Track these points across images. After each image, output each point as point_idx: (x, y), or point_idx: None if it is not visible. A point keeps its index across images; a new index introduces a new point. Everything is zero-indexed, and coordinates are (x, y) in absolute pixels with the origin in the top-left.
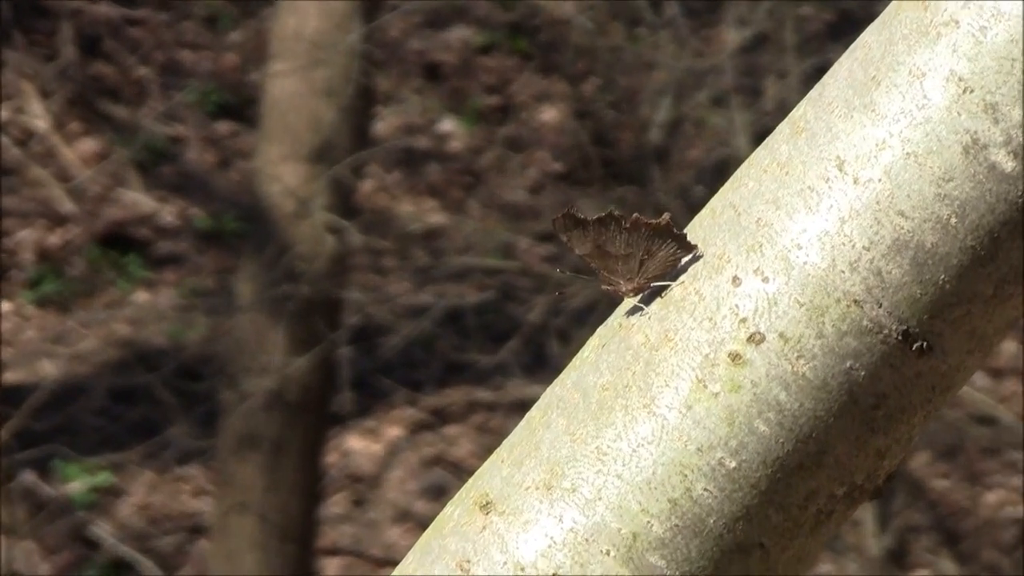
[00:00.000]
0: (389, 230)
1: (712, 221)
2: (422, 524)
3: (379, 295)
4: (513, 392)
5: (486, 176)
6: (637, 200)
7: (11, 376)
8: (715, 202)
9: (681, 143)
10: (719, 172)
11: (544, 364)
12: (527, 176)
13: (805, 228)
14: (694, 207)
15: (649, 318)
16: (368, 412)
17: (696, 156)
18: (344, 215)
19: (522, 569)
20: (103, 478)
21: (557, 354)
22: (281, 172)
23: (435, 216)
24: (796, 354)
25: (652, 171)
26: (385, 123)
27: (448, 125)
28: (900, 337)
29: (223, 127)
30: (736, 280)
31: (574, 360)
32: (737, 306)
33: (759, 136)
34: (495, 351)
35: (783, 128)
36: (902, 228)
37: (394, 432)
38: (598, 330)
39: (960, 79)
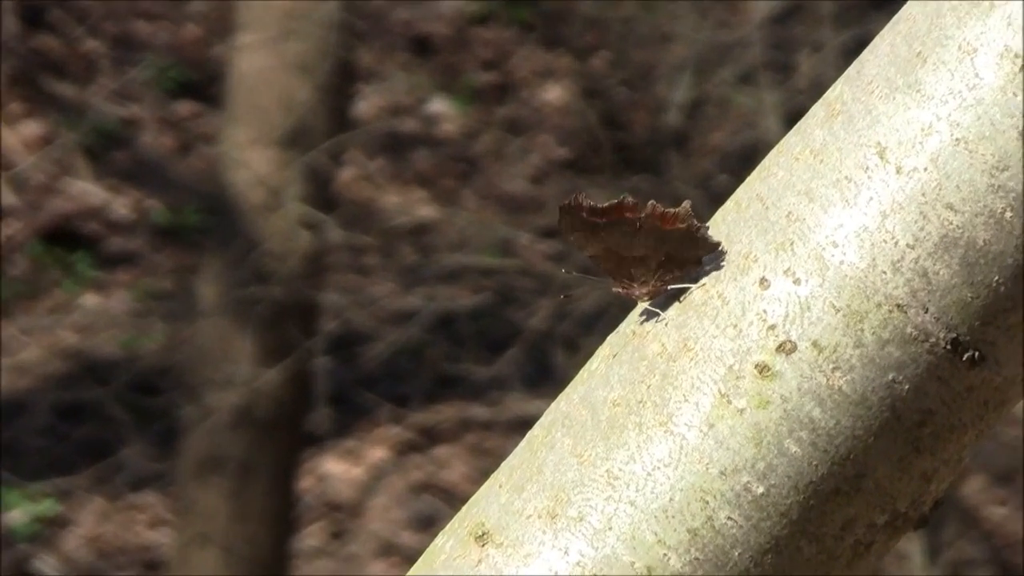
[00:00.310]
0: (372, 224)
1: (737, 215)
2: (409, 558)
3: (361, 298)
4: (512, 408)
5: (482, 163)
6: (653, 190)
7: None
8: (740, 194)
9: (703, 126)
10: (745, 159)
11: (547, 376)
12: (528, 163)
13: (842, 223)
14: (717, 198)
15: (666, 325)
16: (348, 431)
17: (719, 140)
18: (321, 207)
19: None
20: (47, 506)
21: (562, 365)
22: (249, 158)
23: (424, 208)
24: (832, 365)
25: (669, 157)
26: (367, 103)
27: (439, 105)
28: (949, 346)
29: (183, 107)
30: (764, 282)
31: (581, 372)
32: (765, 311)
33: (791, 118)
34: (492, 361)
35: (817, 110)
36: (951, 223)
37: (377, 454)
38: (608, 338)
39: (1016, 55)
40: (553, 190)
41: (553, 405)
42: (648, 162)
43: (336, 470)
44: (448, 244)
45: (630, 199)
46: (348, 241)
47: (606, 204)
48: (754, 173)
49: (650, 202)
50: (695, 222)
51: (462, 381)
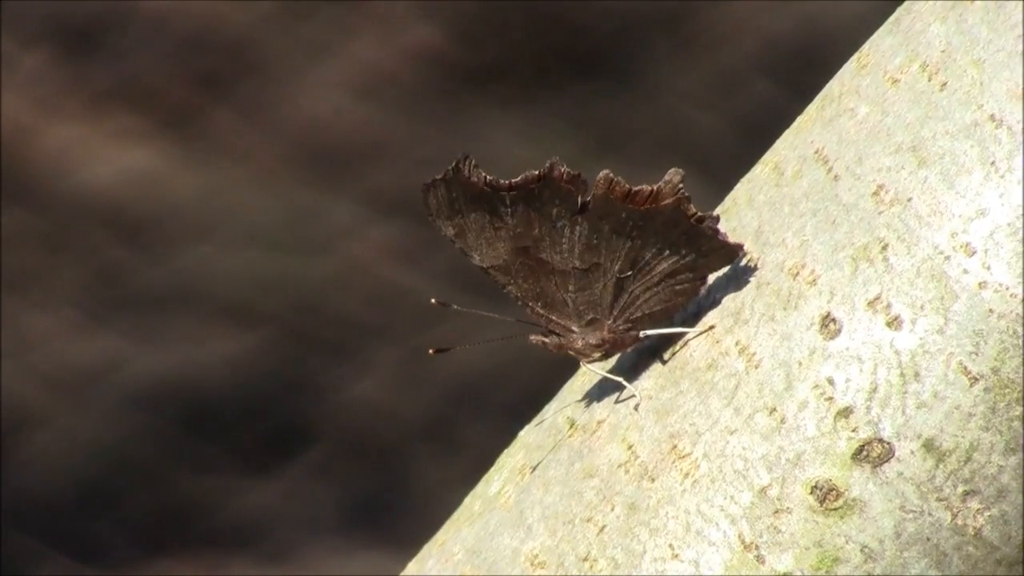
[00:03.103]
0: (31, 186)
1: (778, 191)
2: None
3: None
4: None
5: (259, 58)
6: (618, 119)
7: None
8: (784, 149)
9: None
10: (804, 55)
11: (389, 510)
12: (354, 57)
13: (983, 208)
14: (747, 144)
15: (636, 408)
16: None
17: (752, 15)
18: None
19: None
20: None
21: (425, 484)
22: None
23: (136, 154)
24: (964, 487)
25: (653, 46)
26: None
27: None
28: None
29: None
30: (829, 323)
31: (469, 501)
32: (831, 382)
33: None
34: (270, 473)
35: None
36: None
37: None
38: (522, 434)
39: None
40: (405, 116)
41: (413, 565)
42: (609, 56)
43: None
44: (185, 229)
45: (563, 167)
46: None
47: (517, 179)
48: (811, 107)
49: (603, 173)
50: (692, 206)
51: (212, 515)
